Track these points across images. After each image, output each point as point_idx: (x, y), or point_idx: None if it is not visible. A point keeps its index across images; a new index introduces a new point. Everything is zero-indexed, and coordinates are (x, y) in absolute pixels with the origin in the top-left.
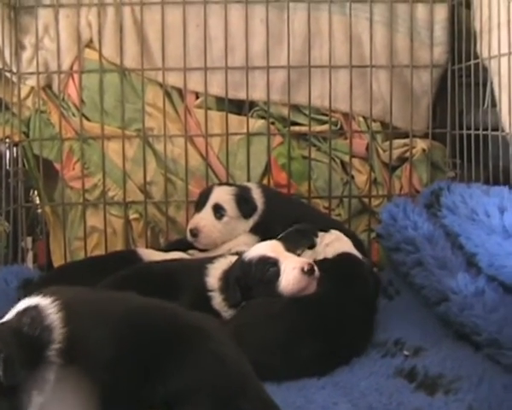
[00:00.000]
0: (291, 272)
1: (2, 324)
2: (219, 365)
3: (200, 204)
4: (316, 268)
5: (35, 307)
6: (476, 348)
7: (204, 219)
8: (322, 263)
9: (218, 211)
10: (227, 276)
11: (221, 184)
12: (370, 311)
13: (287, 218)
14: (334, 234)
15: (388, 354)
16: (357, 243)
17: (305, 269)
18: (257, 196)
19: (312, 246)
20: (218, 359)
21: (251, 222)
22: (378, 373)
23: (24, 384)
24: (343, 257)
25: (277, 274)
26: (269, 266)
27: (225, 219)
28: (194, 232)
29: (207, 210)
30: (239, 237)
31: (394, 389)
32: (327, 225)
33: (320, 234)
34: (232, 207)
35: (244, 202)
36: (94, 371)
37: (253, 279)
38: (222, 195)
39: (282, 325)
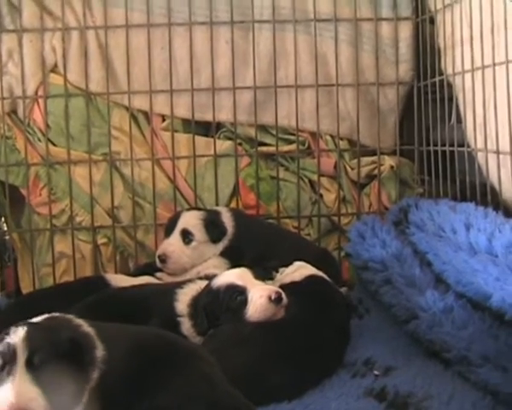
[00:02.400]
0: (258, 300)
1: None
2: (211, 385)
3: (168, 230)
4: (283, 296)
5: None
6: (446, 365)
7: (172, 244)
8: (291, 286)
9: (187, 236)
10: (196, 302)
11: (190, 209)
12: (341, 333)
13: (257, 241)
14: (299, 263)
15: (358, 375)
16: (329, 260)
17: (273, 297)
18: (227, 219)
19: (270, 279)
20: (210, 380)
21: (220, 246)
22: (348, 394)
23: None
24: (311, 279)
25: (245, 302)
26: (236, 295)
27: (194, 243)
28: (163, 258)
29: (175, 236)
30: (209, 260)
31: None
32: (298, 245)
33: (281, 269)
34: (200, 231)
35: (212, 226)
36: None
37: (220, 307)
38: (190, 220)
39: (250, 351)
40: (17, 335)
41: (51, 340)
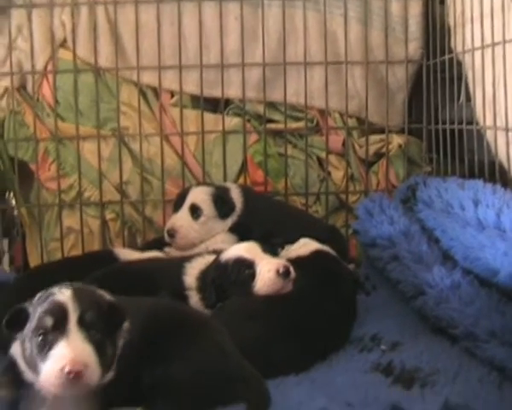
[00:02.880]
0: (266, 273)
1: None
2: (223, 354)
3: (177, 205)
4: (291, 270)
5: None
6: (452, 341)
7: (181, 219)
8: (297, 261)
9: (195, 211)
10: (204, 276)
11: (199, 184)
12: (348, 308)
13: (266, 218)
14: (305, 240)
15: (365, 350)
16: (337, 237)
17: (281, 271)
18: (235, 196)
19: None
20: (221, 350)
21: (229, 222)
22: (355, 369)
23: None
24: (318, 254)
25: (253, 276)
26: (244, 268)
27: (202, 219)
28: (171, 233)
29: (184, 211)
30: (217, 236)
31: (370, 384)
32: (307, 223)
33: (287, 246)
34: (209, 207)
35: (221, 202)
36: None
37: (228, 281)
38: (199, 195)
39: (258, 324)
40: (64, 294)
41: (97, 301)
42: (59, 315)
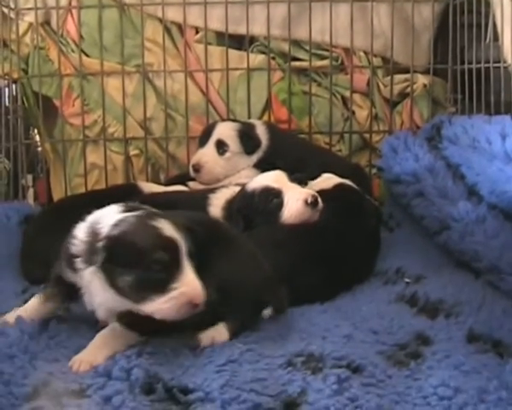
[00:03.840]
0: (294, 203)
1: None
2: (256, 262)
3: (203, 140)
4: (319, 200)
5: None
6: (476, 275)
7: (206, 154)
8: (320, 194)
9: (221, 147)
10: (230, 205)
11: (225, 120)
12: (371, 238)
13: (290, 155)
14: (327, 175)
15: (389, 282)
16: (361, 175)
17: (309, 201)
18: (261, 132)
19: None
20: (255, 258)
21: (254, 158)
22: (379, 299)
23: None
24: (341, 187)
25: (281, 205)
26: (272, 197)
27: (228, 154)
28: (197, 168)
29: (210, 146)
30: (241, 171)
31: (395, 314)
32: (331, 161)
33: (310, 182)
34: (235, 143)
35: (247, 138)
36: None
37: (255, 210)
38: (225, 131)
39: (285, 252)
40: (167, 226)
41: (187, 230)
42: (173, 250)
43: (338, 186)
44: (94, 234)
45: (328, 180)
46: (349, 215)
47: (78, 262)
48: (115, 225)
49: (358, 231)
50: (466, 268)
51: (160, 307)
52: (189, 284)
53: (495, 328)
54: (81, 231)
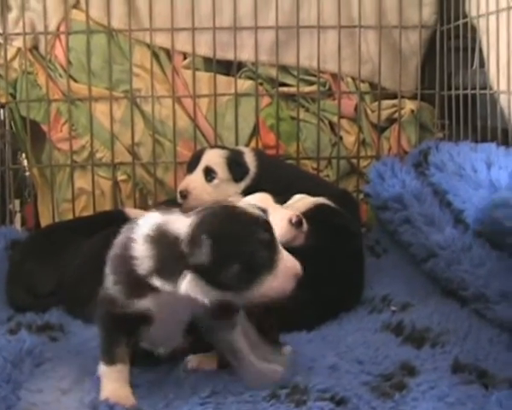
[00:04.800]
0: (279, 222)
1: None
2: None
3: (191, 166)
4: (304, 221)
5: None
6: (462, 303)
7: (194, 181)
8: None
9: (209, 174)
10: None
11: (213, 146)
12: (355, 258)
13: (279, 182)
14: (300, 196)
15: (375, 310)
16: (350, 201)
17: (294, 221)
18: (250, 159)
19: None
20: None
21: (242, 185)
22: (365, 328)
23: None
24: (319, 208)
25: None
26: None
27: (216, 181)
28: (184, 194)
29: (198, 172)
30: (229, 198)
31: (381, 343)
32: (319, 187)
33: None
34: (223, 170)
35: (235, 165)
36: None
37: None
38: (213, 157)
39: None
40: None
41: None
42: (270, 228)
43: (316, 206)
44: (168, 242)
45: (303, 200)
46: (327, 235)
47: (154, 281)
48: (195, 222)
49: (341, 252)
50: (453, 296)
51: (270, 285)
52: (288, 258)
53: (480, 358)
54: (140, 248)
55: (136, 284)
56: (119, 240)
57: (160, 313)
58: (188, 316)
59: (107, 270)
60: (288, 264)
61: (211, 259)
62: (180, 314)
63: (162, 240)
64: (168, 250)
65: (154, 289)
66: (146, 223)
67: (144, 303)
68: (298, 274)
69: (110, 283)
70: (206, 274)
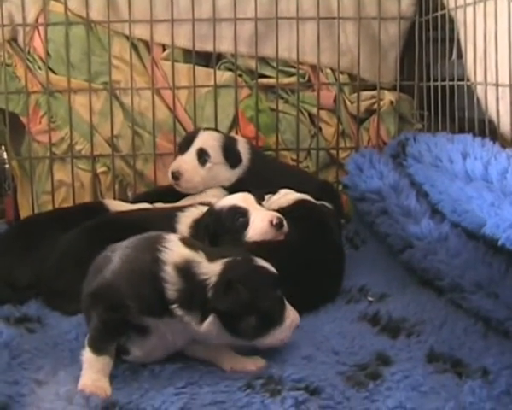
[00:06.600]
0: (259, 223)
1: None
2: None
3: (184, 147)
4: (285, 223)
5: None
6: (439, 293)
7: (187, 162)
8: (280, 212)
9: (202, 156)
10: (197, 224)
11: (208, 128)
12: (336, 254)
13: (266, 177)
14: (284, 190)
15: (353, 300)
16: (332, 192)
17: (274, 222)
18: (243, 150)
19: None
20: None
21: (236, 173)
22: (342, 318)
23: None
24: (300, 203)
25: (246, 224)
26: (239, 216)
27: (209, 165)
28: (176, 175)
29: (191, 154)
30: (208, 191)
31: (357, 333)
32: (301, 179)
33: (267, 196)
34: (217, 153)
35: (230, 151)
36: None
37: (222, 227)
38: (208, 140)
39: None
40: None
41: None
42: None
43: (297, 202)
44: (197, 281)
45: (286, 196)
46: (310, 231)
47: (176, 309)
48: (224, 272)
49: (322, 244)
50: (429, 286)
51: (278, 337)
52: (291, 312)
53: (455, 347)
54: (171, 274)
55: (157, 305)
56: (143, 256)
57: (161, 333)
58: (182, 344)
59: (119, 274)
60: (292, 317)
61: (234, 307)
62: (177, 340)
63: (191, 277)
64: (197, 289)
65: (171, 315)
66: (174, 249)
67: (153, 322)
68: (298, 325)
69: (124, 289)
70: (226, 320)
